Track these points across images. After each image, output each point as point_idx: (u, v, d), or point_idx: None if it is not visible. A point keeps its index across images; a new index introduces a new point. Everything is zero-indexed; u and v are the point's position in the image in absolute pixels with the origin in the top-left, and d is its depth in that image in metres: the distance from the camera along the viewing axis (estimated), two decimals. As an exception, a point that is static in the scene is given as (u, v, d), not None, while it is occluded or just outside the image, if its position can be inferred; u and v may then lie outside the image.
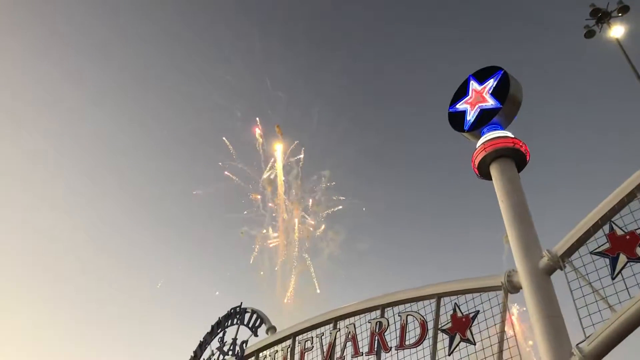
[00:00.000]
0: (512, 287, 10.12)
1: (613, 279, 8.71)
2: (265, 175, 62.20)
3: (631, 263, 8.57)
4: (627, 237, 8.76)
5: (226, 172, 62.18)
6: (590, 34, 28.02)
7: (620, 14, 26.94)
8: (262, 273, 61.48)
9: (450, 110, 12.90)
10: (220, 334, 16.95)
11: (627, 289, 8.50)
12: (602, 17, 27.35)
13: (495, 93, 12.07)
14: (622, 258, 8.66)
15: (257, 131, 62.77)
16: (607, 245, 8.96)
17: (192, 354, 17.66)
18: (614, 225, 9.01)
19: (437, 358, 10.72)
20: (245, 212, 62.60)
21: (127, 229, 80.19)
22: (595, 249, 9.13)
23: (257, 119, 63.36)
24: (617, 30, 26.90)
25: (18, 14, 70.79)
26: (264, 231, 62.02)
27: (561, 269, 9.57)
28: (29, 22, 73.23)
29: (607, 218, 9.17)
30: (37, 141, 72.36)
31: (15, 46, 70.15)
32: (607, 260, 8.87)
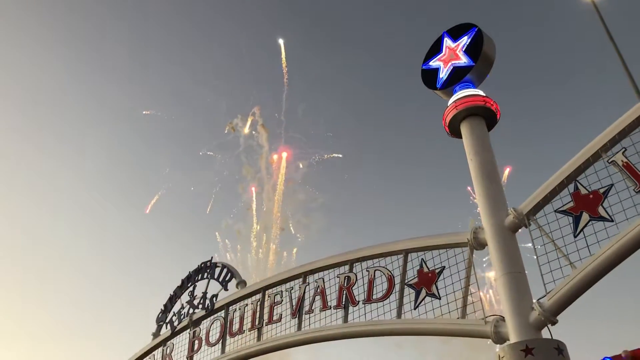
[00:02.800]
0: (478, 244, 10.28)
1: (575, 236, 8.91)
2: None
3: (593, 221, 8.77)
4: (591, 196, 8.93)
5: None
6: (566, -6, 27.95)
7: (597, -25, 26.85)
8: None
9: (424, 67, 12.78)
10: (191, 288, 17.07)
11: (587, 246, 8.72)
12: (579, -23, 27.25)
13: (468, 51, 11.96)
14: (585, 216, 8.85)
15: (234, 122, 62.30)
16: (572, 204, 9.14)
17: (162, 307, 17.78)
18: (578, 185, 9.17)
19: (403, 312, 10.94)
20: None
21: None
22: (560, 207, 9.32)
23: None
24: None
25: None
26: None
27: (526, 227, 9.75)
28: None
29: (572, 177, 9.32)
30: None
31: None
32: (571, 219, 9.06)
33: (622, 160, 8.72)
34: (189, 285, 17.23)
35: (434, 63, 12.59)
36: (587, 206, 8.90)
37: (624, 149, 8.82)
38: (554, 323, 8.86)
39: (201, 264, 17.21)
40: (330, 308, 12.21)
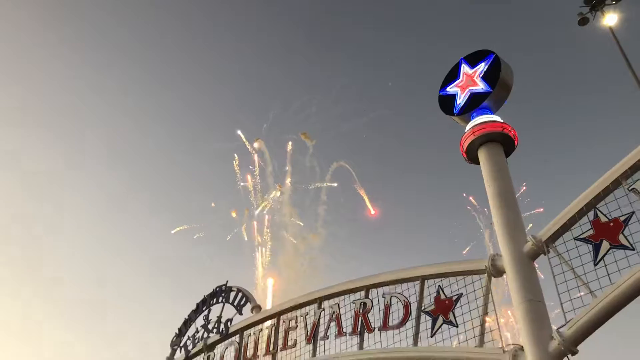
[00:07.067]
0: (496, 271, 10.17)
1: (595, 265, 8.77)
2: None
3: (613, 250, 8.62)
4: (611, 224, 8.81)
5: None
6: (583, 21, 27.98)
7: (614, 2, 26.89)
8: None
9: (441, 93, 12.82)
10: (205, 312, 17.02)
11: (608, 275, 8.57)
12: (596, 4, 27.30)
13: (486, 77, 11.99)
14: (605, 244, 8.72)
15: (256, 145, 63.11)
16: (591, 232, 9.01)
17: (177, 331, 17.74)
18: (598, 212, 9.05)
19: (419, 339, 10.79)
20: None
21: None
22: (579, 235, 9.19)
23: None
24: (610, 18, 26.86)
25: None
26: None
27: (545, 254, 9.62)
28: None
29: (592, 205, 9.20)
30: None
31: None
32: (591, 247, 8.93)
33: (642, 188, 8.62)
34: (203, 309, 17.19)
35: (451, 89, 12.62)
36: (607, 234, 8.78)
37: (644, 177, 8.72)
38: (574, 353, 8.69)
39: (216, 288, 17.18)
40: (346, 334, 12.10)
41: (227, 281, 17.12)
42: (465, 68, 12.52)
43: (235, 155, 63.06)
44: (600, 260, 8.72)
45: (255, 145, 62.87)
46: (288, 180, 63.53)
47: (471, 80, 12.22)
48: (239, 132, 63.61)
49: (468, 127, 11.69)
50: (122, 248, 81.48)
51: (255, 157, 62.75)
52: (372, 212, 64.99)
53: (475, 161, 11.67)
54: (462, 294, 10.51)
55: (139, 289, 78.19)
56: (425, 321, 10.80)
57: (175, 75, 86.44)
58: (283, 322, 14.01)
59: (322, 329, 12.77)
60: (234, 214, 62.47)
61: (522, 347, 9.17)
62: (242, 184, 62.17)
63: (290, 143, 64.21)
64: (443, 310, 10.55)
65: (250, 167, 62.57)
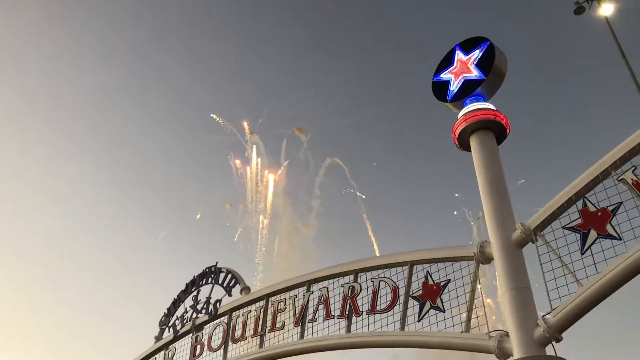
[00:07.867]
0: (484, 258, 10.22)
1: (582, 254, 8.85)
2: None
3: (601, 239, 8.70)
4: (599, 213, 8.87)
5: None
6: (579, 10, 27.89)
7: (610, -9, 26.78)
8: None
9: (435, 79, 12.79)
10: (195, 293, 17.06)
11: (594, 264, 8.66)
12: (593, -7, 27.17)
13: (480, 64, 11.96)
14: (593, 234, 8.79)
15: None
16: (579, 221, 9.08)
17: (166, 311, 17.79)
18: (587, 202, 9.12)
19: (406, 324, 10.88)
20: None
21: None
22: (568, 223, 9.26)
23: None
24: (606, 8, 26.79)
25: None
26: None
27: (533, 242, 9.69)
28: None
29: (581, 194, 9.26)
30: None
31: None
32: (578, 236, 9.01)
33: (631, 179, 8.68)
34: (193, 289, 17.23)
35: (444, 75, 12.59)
36: (595, 223, 8.85)
37: (634, 167, 8.77)
38: (558, 340, 8.79)
39: (206, 269, 17.21)
40: (334, 317, 12.17)
41: (216, 262, 17.17)
42: (459, 55, 12.49)
43: (231, 153, 63.22)
44: (587, 249, 8.79)
45: (247, 134, 62.85)
46: (283, 170, 63.59)
47: (465, 67, 12.20)
48: (213, 115, 63.66)
49: (460, 114, 11.68)
50: (119, 243, 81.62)
51: (249, 149, 62.75)
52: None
53: (467, 148, 11.69)
54: (450, 280, 10.58)
55: (125, 267, 78.28)
56: (413, 306, 10.87)
57: (170, 70, 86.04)
58: (272, 304, 14.07)
59: (310, 311, 12.83)
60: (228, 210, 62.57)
61: (508, 333, 9.27)
62: (238, 180, 62.20)
63: (285, 139, 64.42)
64: (431, 295, 10.62)
65: (240, 159, 62.59)
